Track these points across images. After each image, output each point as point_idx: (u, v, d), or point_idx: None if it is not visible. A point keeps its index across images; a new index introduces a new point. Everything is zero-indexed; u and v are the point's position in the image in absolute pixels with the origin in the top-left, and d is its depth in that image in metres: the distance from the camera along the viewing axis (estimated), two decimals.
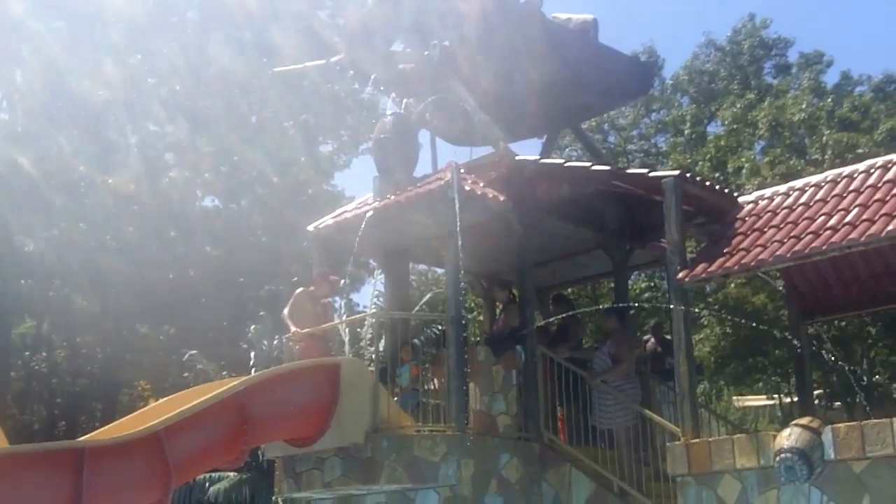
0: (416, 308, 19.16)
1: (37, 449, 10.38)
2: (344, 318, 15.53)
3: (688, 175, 12.89)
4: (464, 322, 13.74)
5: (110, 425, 12.03)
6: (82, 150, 32.18)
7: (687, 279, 11.90)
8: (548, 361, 13.90)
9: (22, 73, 33.69)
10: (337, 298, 16.68)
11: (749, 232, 12.19)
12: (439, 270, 29.81)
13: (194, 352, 22.44)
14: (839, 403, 27.04)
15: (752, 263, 11.49)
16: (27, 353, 36.30)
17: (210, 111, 33.48)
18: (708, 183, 13.36)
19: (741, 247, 11.91)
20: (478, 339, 19.04)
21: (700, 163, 29.98)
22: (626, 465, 12.91)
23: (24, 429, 31.04)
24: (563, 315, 14.94)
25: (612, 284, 18.08)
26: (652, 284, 31.10)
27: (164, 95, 33.45)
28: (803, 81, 34.34)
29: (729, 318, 25.06)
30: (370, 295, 33.80)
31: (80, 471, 9.69)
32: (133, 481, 10.44)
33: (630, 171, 14.06)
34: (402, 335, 14.54)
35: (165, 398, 12.56)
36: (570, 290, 21.07)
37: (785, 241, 11.45)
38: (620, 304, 15.40)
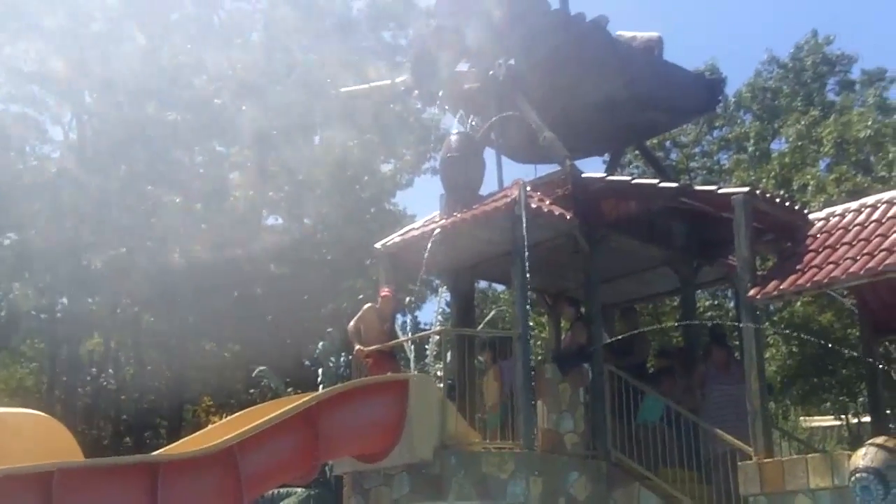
0: (481, 325, 19.15)
1: (113, 463, 10.57)
2: (409, 335, 15.57)
3: (757, 192, 12.81)
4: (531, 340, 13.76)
5: (182, 440, 12.17)
6: (149, 169, 32.65)
7: (759, 297, 11.82)
8: (614, 378, 13.84)
9: (90, 94, 34.28)
10: (401, 315, 16.78)
11: (821, 249, 12.09)
12: (500, 288, 29.92)
13: (263, 368, 22.60)
14: None
15: (825, 281, 11.40)
16: (94, 369, 36.80)
17: (275, 131, 33.80)
18: (778, 199, 13.25)
19: (813, 264, 11.81)
20: (539, 356, 18.98)
21: (764, 180, 29.68)
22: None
23: (92, 444, 31.38)
24: (631, 332, 14.88)
25: (677, 302, 17.95)
26: (715, 303, 30.82)
27: (230, 115, 33.84)
28: (867, 98, 33.94)
29: (796, 336, 24.74)
30: (434, 312, 33.83)
31: (155, 485, 9.82)
32: (206, 496, 10.58)
33: (698, 187, 14.00)
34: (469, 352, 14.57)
35: (235, 414, 12.68)
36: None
37: (858, 258, 11.34)
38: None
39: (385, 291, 14.28)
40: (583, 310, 14.86)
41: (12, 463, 9.27)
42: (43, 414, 11.56)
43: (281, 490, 24.56)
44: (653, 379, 14.38)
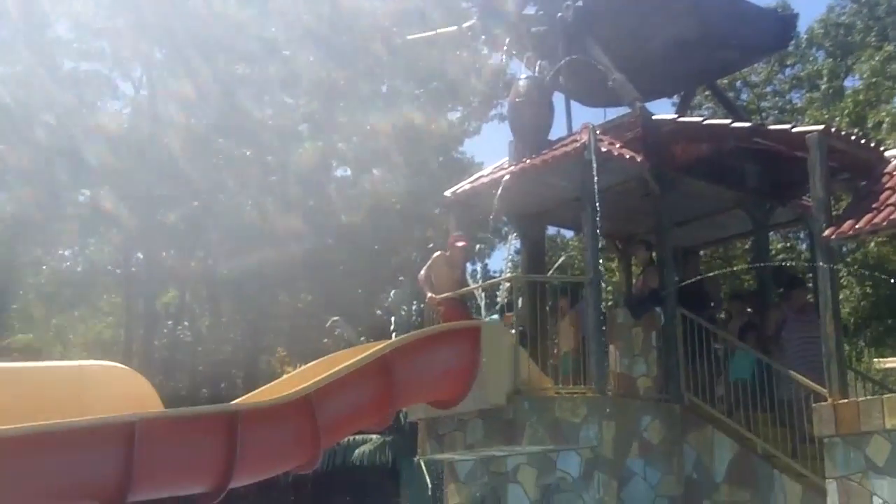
0: (551, 271, 19.11)
1: (193, 412, 10.69)
2: (480, 282, 15.59)
3: (832, 130, 12.59)
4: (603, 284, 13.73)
5: (258, 390, 12.30)
6: (220, 123, 32.90)
7: (834, 237, 11.65)
8: (687, 322, 13.75)
9: (160, 50, 34.56)
10: (471, 263, 16.80)
11: None
12: (569, 234, 29.80)
13: (337, 318, 22.83)
14: None
15: None
16: (170, 322, 37.40)
17: (342, 81, 33.85)
18: (853, 138, 13.00)
19: (889, 202, 11.59)
20: (609, 300, 18.89)
21: (838, 118, 29.17)
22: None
23: (169, 395, 31.91)
24: (703, 275, 14.76)
25: (748, 245, 17.71)
26: (787, 245, 30.45)
27: (298, 67, 33.94)
28: None
29: (871, 277, 24.40)
30: (504, 259, 33.83)
31: (235, 433, 9.90)
32: (285, 443, 10.71)
33: (771, 127, 13.78)
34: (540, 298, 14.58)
35: (309, 364, 12.80)
36: (702, 251, 20.76)
37: None
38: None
39: (461, 241, 14.29)
40: (654, 254, 14.77)
41: (94, 414, 9.43)
42: (123, 366, 11.77)
43: (357, 437, 24.96)
44: (739, 335, 14.19)
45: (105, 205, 32.75)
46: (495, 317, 13.47)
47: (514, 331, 13.09)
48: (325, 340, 29.45)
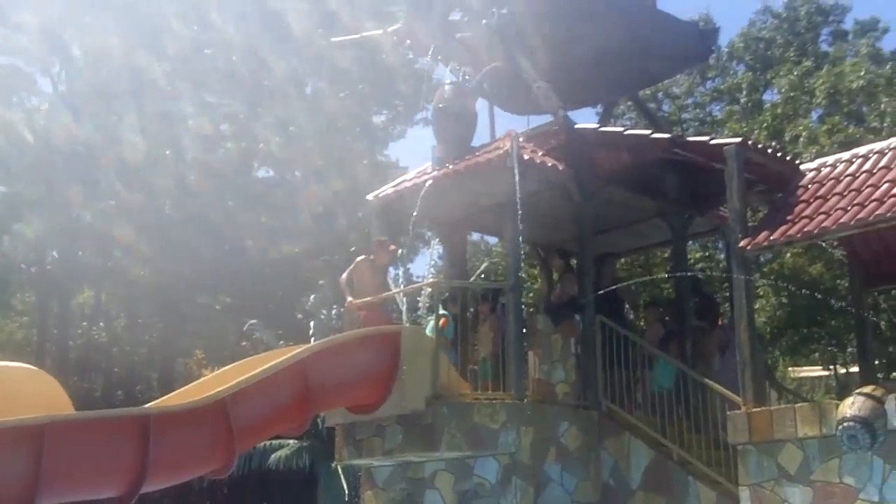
0: (473, 277, 19.15)
1: (104, 415, 10.53)
2: (402, 287, 15.55)
3: (750, 142, 12.79)
4: (523, 291, 13.78)
5: (173, 393, 12.14)
6: (140, 121, 32.45)
7: (749, 247, 11.82)
8: (606, 329, 13.86)
9: (80, 46, 33.99)
10: (393, 268, 16.75)
11: (811, 200, 12.07)
12: (492, 240, 29.88)
13: (255, 321, 22.58)
14: None
15: (816, 231, 11.40)
16: (85, 322, 36.81)
17: (266, 82, 33.60)
18: (770, 150, 13.22)
19: (804, 214, 11.80)
20: (531, 307, 18.98)
21: (756, 131, 29.59)
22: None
23: (83, 397, 31.46)
24: (620, 281, 14.89)
25: (667, 253, 17.92)
26: (706, 254, 30.84)
27: (221, 67, 33.61)
28: (861, 48, 33.75)
29: (786, 287, 24.79)
30: (426, 265, 33.83)
31: (147, 437, 9.78)
32: (199, 448, 10.57)
33: (691, 138, 13.96)
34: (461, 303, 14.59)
35: (226, 367, 12.65)
36: (623, 259, 20.95)
37: (848, 208, 11.34)
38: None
39: (388, 245, 14.25)
40: (573, 261, 14.86)
41: (3, 416, 9.23)
42: (33, 367, 11.49)
43: (273, 442, 24.75)
44: (661, 345, 14.33)
45: (20, 202, 32.11)
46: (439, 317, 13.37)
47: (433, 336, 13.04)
48: (244, 343, 29.22)
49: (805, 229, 11.52)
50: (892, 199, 11.00)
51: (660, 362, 13.77)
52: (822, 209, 11.69)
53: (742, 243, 11.90)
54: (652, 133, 13.81)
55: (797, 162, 13.70)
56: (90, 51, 33.42)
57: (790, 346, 29.97)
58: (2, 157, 31.56)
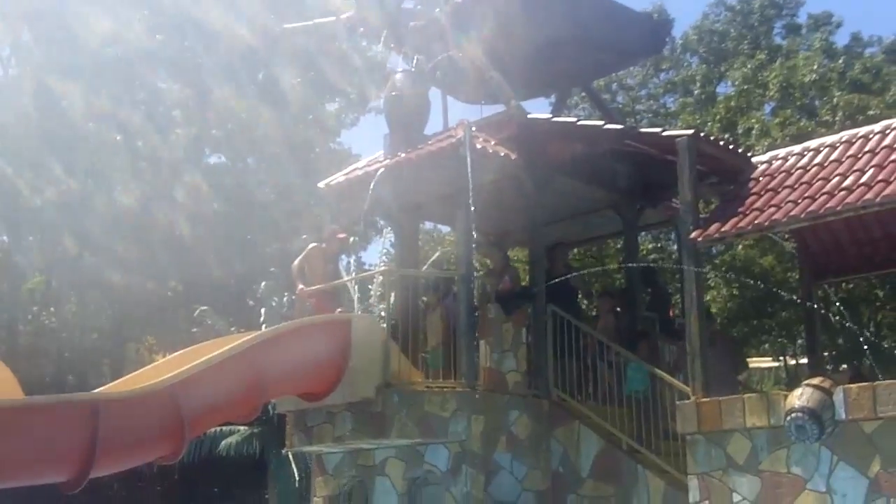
0: (425, 266, 19.13)
1: (53, 401, 10.41)
2: (353, 275, 15.52)
3: (702, 134, 12.85)
4: (474, 280, 13.80)
5: (123, 378, 12.07)
6: (90, 106, 32.10)
7: (700, 239, 11.89)
8: (557, 318, 13.89)
9: (30, 30, 33.56)
10: (345, 256, 16.71)
11: (763, 192, 12.16)
12: (445, 229, 29.86)
13: (205, 308, 22.53)
14: (846, 366, 27.00)
15: (766, 223, 11.48)
16: (35, 308, 36.37)
17: (217, 68, 33.33)
18: (722, 143, 13.30)
19: (755, 207, 11.88)
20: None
21: (709, 123, 29.72)
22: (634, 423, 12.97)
23: (34, 383, 31.05)
24: (559, 268, 14.91)
25: (620, 244, 18.00)
26: (658, 245, 31.00)
27: (172, 52, 33.30)
28: (814, 42, 34.02)
29: (737, 279, 24.98)
30: (378, 253, 33.77)
31: (96, 423, 9.71)
32: (148, 433, 10.52)
33: (643, 130, 14.01)
34: (412, 293, 14.58)
35: (176, 353, 12.59)
36: (576, 249, 21.03)
37: (799, 201, 11.43)
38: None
39: (340, 233, 14.20)
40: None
41: None
42: None
43: (224, 428, 24.62)
44: (630, 346, 14.36)
45: None
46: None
47: (384, 325, 13.03)
48: (194, 330, 28.98)
49: (756, 221, 11.60)
50: (842, 193, 11.11)
51: (632, 365, 13.79)
52: (773, 202, 11.78)
53: (693, 235, 11.96)
54: (604, 124, 13.84)
55: (749, 154, 13.79)
56: (41, 36, 32.98)
57: (741, 337, 30.22)
58: None
